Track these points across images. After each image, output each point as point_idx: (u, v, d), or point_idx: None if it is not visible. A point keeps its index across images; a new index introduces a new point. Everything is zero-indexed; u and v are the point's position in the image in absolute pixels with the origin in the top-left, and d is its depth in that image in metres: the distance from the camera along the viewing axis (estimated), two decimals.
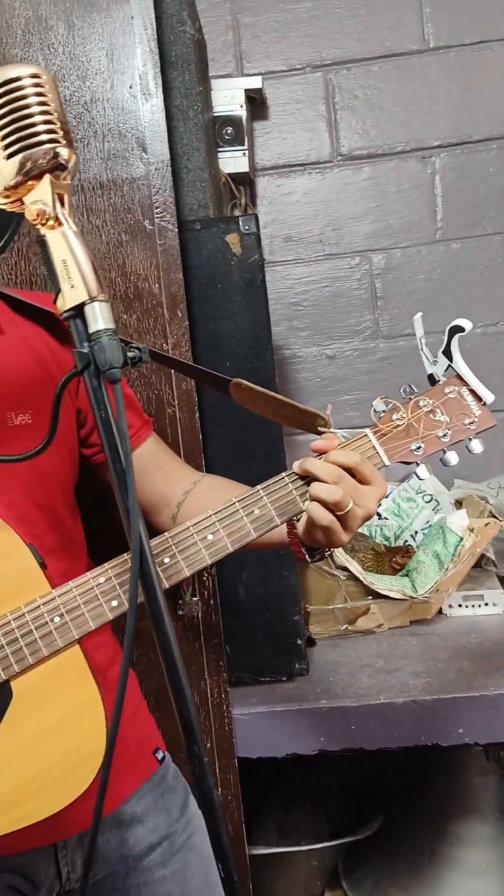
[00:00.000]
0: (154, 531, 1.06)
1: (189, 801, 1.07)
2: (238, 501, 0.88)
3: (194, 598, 1.30)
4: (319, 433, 0.93)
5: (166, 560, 0.83)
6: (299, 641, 1.41)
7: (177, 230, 1.28)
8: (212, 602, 1.32)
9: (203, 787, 0.60)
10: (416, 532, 1.81)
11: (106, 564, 0.86)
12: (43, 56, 1.22)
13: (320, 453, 0.88)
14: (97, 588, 0.84)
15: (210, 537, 0.87)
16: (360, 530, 1.67)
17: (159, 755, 1.07)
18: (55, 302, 0.64)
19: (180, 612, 1.30)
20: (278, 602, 1.41)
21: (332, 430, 0.94)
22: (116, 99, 1.24)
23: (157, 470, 1.06)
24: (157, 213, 1.27)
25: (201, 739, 0.61)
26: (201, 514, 0.87)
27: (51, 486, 0.97)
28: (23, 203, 0.64)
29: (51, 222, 0.63)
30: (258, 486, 0.89)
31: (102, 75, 1.23)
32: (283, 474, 0.89)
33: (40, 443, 0.94)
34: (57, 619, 0.83)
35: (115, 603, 0.84)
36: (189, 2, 1.41)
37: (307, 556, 0.93)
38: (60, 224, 0.64)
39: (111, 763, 0.63)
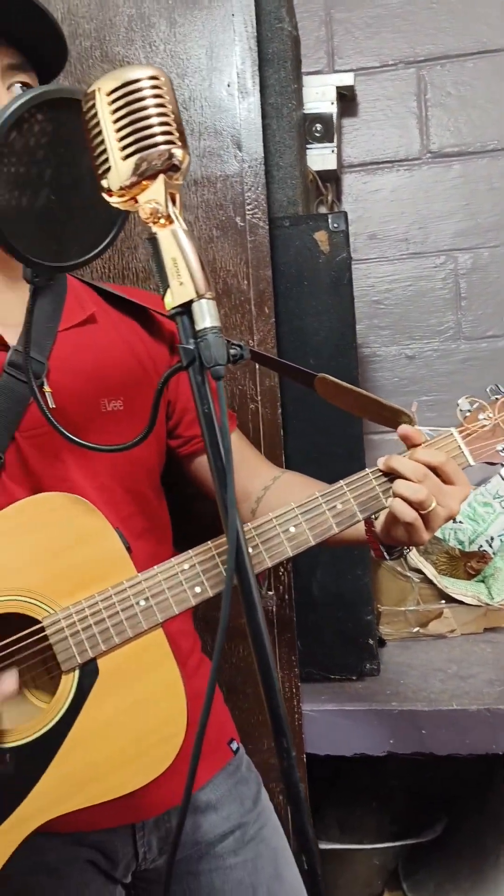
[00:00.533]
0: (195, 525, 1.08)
1: (261, 793, 1.09)
2: (321, 496, 0.89)
3: (269, 593, 1.31)
4: None
5: (249, 550, 0.85)
6: (371, 641, 1.41)
7: (267, 227, 1.29)
8: (286, 597, 1.33)
9: (290, 780, 0.60)
10: (493, 538, 1.77)
11: (191, 551, 0.88)
12: (144, 54, 1.25)
13: (406, 441, 0.87)
14: (181, 574, 0.86)
15: (292, 530, 0.88)
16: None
17: (234, 746, 1.09)
18: (163, 299, 0.66)
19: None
20: (351, 600, 1.41)
21: (416, 427, 0.94)
22: (214, 97, 1.26)
23: (239, 464, 1.07)
24: (248, 210, 1.28)
25: (290, 732, 0.61)
26: (284, 507, 0.88)
27: (139, 471, 1.00)
28: (136, 201, 0.65)
29: (162, 221, 0.65)
30: (341, 482, 0.90)
31: (201, 73, 1.25)
32: (367, 470, 0.90)
33: (129, 429, 0.97)
34: (142, 602, 0.85)
35: (198, 589, 0.86)
36: None
37: (385, 553, 0.93)
38: (171, 222, 0.65)
39: (201, 746, 0.64)
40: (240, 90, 1.25)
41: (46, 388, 0.90)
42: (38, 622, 0.84)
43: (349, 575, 1.41)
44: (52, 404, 0.90)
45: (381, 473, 0.89)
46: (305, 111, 1.77)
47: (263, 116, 1.29)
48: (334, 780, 1.73)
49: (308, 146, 1.78)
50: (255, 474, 1.09)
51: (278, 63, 1.39)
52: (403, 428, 0.89)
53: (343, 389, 0.96)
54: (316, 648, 1.42)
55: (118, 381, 0.97)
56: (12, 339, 0.91)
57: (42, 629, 0.84)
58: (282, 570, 1.32)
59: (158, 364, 1.02)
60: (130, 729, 0.84)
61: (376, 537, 0.93)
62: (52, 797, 0.82)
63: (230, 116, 1.26)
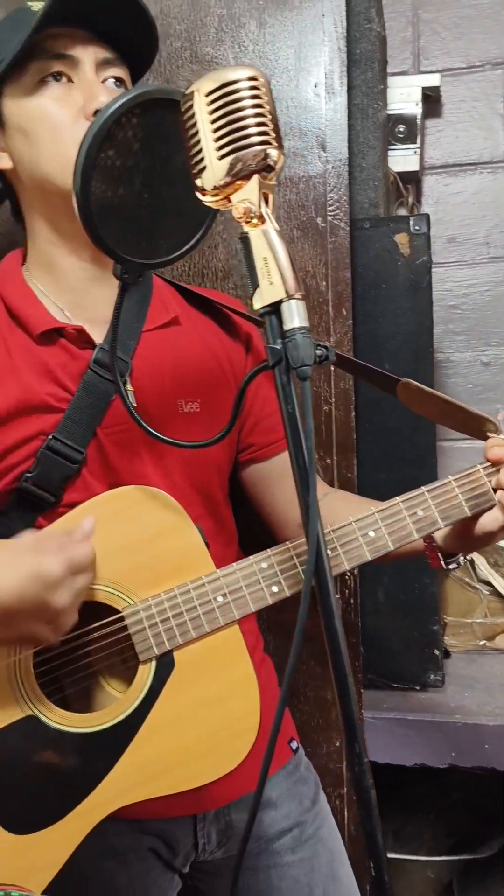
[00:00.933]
0: (279, 538, 1.07)
1: (319, 794, 1.09)
2: (402, 501, 0.88)
3: (336, 596, 1.30)
4: (486, 439, 0.91)
5: (328, 552, 0.84)
6: (436, 652, 1.39)
7: (348, 229, 1.28)
8: (352, 601, 1.32)
9: (361, 785, 0.60)
10: None
11: (269, 550, 0.88)
12: (233, 54, 1.26)
13: (496, 464, 0.86)
14: (259, 572, 0.87)
15: (371, 534, 0.88)
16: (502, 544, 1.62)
17: (293, 745, 1.09)
18: (251, 298, 0.66)
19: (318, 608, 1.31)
20: (417, 609, 1.39)
21: (501, 436, 0.92)
22: (300, 97, 1.25)
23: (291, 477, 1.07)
24: (329, 211, 1.27)
25: (362, 737, 0.61)
26: (364, 511, 0.88)
27: (210, 472, 1.01)
28: (229, 201, 0.66)
29: (255, 220, 0.65)
30: (423, 488, 0.89)
31: (288, 73, 1.25)
32: (450, 478, 0.89)
33: (205, 430, 0.98)
34: (220, 598, 0.86)
35: (275, 588, 0.87)
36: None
37: (444, 563, 0.92)
38: (264, 222, 0.65)
39: (274, 746, 0.64)
40: (327, 90, 1.25)
41: (129, 387, 0.92)
42: (119, 612, 0.86)
43: (416, 583, 1.39)
44: (133, 402, 0.91)
45: (464, 482, 0.87)
46: (389, 111, 1.75)
47: (348, 117, 1.28)
48: (392, 790, 1.71)
49: (390, 147, 1.76)
50: None
51: (366, 63, 1.38)
52: (493, 453, 0.87)
53: (427, 395, 0.94)
54: (379, 656, 1.41)
55: (196, 383, 0.98)
56: (99, 336, 0.93)
57: (122, 619, 0.85)
58: (348, 574, 1.31)
59: (235, 366, 1.03)
60: (203, 723, 0.85)
61: (435, 546, 0.92)
62: (124, 785, 0.84)
63: (315, 117, 1.25)
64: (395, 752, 1.33)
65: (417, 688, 1.40)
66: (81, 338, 0.92)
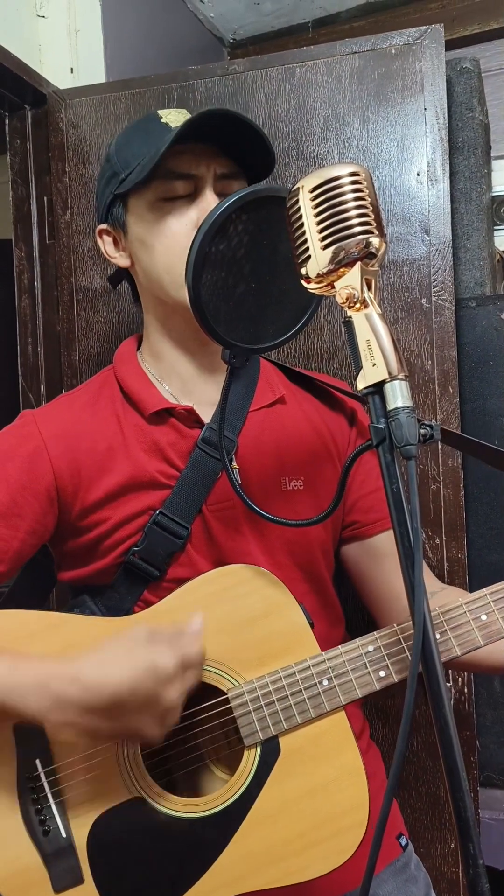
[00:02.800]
0: (380, 620, 1.04)
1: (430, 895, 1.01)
2: None
3: (447, 685, 1.25)
4: None
5: (437, 636, 0.81)
6: None
7: (453, 308, 1.28)
8: (466, 691, 1.25)
9: (477, 890, 0.56)
10: None
11: (375, 633, 0.86)
12: (337, 150, 1.32)
13: None
14: (366, 656, 0.85)
15: (484, 618, 0.85)
16: None
17: (402, 841, 1.03)
18: (355, 378, 0.67)
19: None
20: None
21: None
22: (403, 185, 1.29)
23: (394, 555, 1.04)
24: (434, 292, 1.29)
25: (478, 838, 0.57)
26: (476, 593, 0.85)
27: (314, 550, 1.00)
28: (333, 287, 0.68)
29: (358, 305, 0.67)
30: None
31: (391, 164, 1.30)
32: None
33: (308, 508, 0.98)
34: (325, 682, 0.84)
35: (382, 673, 0.84)
36: (479, 88, 1.44)
37: None
38: (366, 306, 0.67)
39: (380, 843, 0.61)
40: (429, 178, 1.28)
41: (234, 465, 0.94)
42: (223, 692, 0.85)
43: None
44: (238, 480, 0.93)
45: None
46: (494, 193, 1.77)
47: (452, 201, 1.31)
48: None
49: (496, 227, 1.78)
50: None
51: (468, 150, 1.41)
52: None
53: None
54: (497, 750, 1.32)
55: (300, 461, 0.99)
56: (207, 416, 0.97)
57: (227, 701, 0.85)
58: None
59: (339, 444, 1.04)
60: (311, 813, 0.82)
61: None
62: (232, 874, 0.81)
63: (418, 203, 1.29)
64: None
65: None
66: (190, 417, 0.96)
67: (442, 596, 1.01)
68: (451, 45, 1.35)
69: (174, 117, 0.96)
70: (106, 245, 1.01)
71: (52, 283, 1.48)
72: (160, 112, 0.97)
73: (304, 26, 2.13)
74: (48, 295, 1.48)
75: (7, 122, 1.51)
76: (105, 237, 1.01)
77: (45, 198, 1.48)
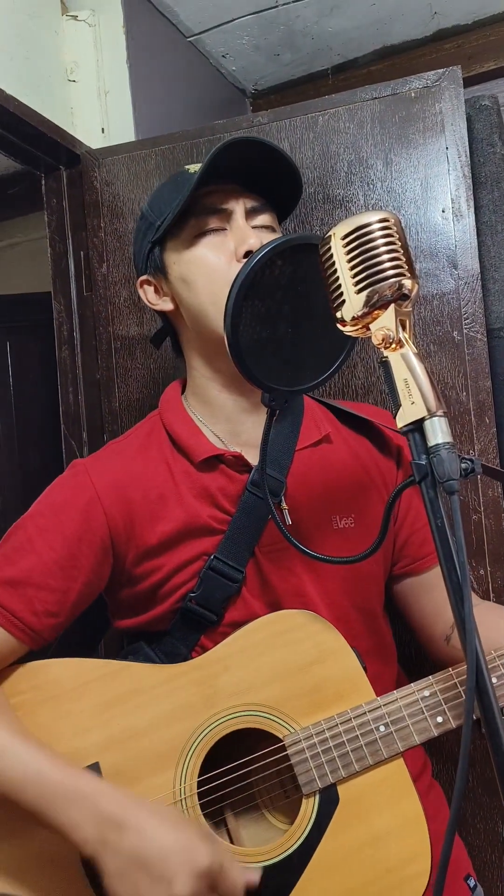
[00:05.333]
0: (428, 651, 1.04)
1: None
2: None
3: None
4: None
5: (493, 680, 0.81)
6: None
7: (485, 339, 1.29)
8: None
9: None
10: None
11: (431, 677, 0.86)
12: (362, 192, 1.35)
13: None
14: (422, 702, 0.84)
15: None
16: None
17: (471, 882, 1.01)
18: (395, 417, 0.69)
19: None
20: None
21: None
22: (428, 223, 1.32)
23: (441, 590, 1.03)
24: (465, 324, 1.30)
25: None
26: None
27: (369, 588, 1.01)
28: (368, 329, 0.70)
29: (393, 345, 0.69)
30: None
31: (416, 203, 1.33)
32: None
33: (360, 545, 0.98)
34: (382, 729, 0.84)
35: (440, 719, 0.84)
36: (499, 123, 1.47)
37: None
38: (402, 346, 0.69)
39: (444, 880, 0.61)
40: (454, 214, 1.31)
41: (284, 506, 0.95)
42: (278, 739, 0.85)
43: None
44: (288, 521, 0.94)
45: None
46: None
47: (478, 234, 1.33)
48: None
49: None
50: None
51: (491, 184, 1.43)
52: None
53: None
54: None
55: (350, 499, 1.00)
56: (254, 460, 0.98)
57: (283, 748, 0.85)
58: None
59: (387, 479, 1.04)
60: (372, 863, 0.82)
61: None
62: None
63: (445, 239, 1.31)
64: None
65: None
66: (239, 462, 0.97)
67: (482, 609, 1.02)
68: (468, 81, 1.39)
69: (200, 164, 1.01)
70: (148, 294, 1.05)
71: (90, 333, 1.52)
72: (188, 166, 1.02)
73: (323, 73, 2.19)
74: (87, 344, 1.53)
75: (43, 182, 1.57)
76: (146, 287, 1.05)
77: (82, 252, 1.54)
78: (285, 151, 0.96)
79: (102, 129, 1.63)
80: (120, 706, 0.86)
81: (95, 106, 1.64)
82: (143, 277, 1.05)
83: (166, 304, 1.03)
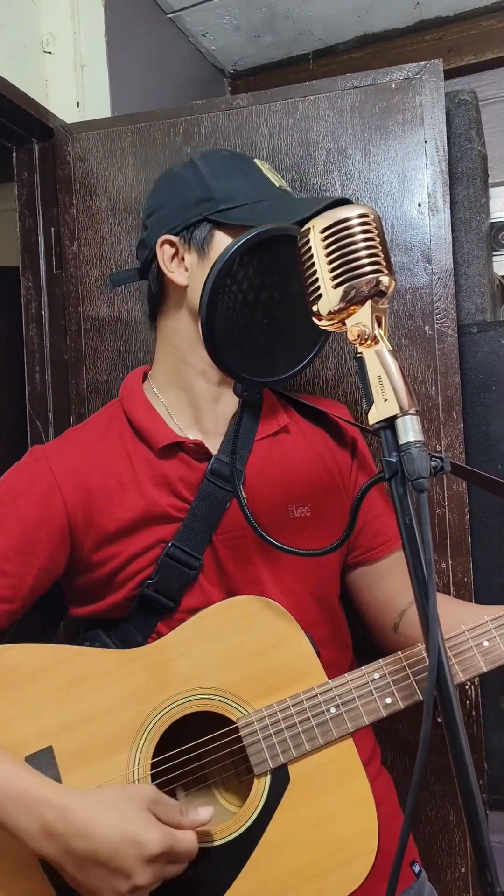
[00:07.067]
0: (377, 639, 1.06)
1: None
2: None
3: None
4: None
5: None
6: None
7: (456, 335, 1.31)
8: (473, 713, 1.26)
9: None
10: None
11: (381, 661, 0.88)
12: (340, 182, 1.35)
13: None
14: (372, 683, 0.86)
15: (486, 644, 0.86)
16: None
17: (416, 868, 1.03)
18: (367, 414, 0.69)
19: (439, 721, 1.26)
20: None
21: None
22: (404, 216, 1.32)
23: (393, 576, 1.06)
24: (437, 319, 1.31)
25: (494, 864, 0.58)
26: (477, 620, 0.86)
27: (325, 577, 1.02)
28: (343, 324, 0.70)
29: (368, 342, 0.69)
30: None
31: (393, 196, 1.33)
32: None
33: (316, 534, 1.00)
34: (332, 710, 0.86)
35: (388, 700, 0.85)
36: (476, 119, 1.47)
37: None
38: (377, 343, 0.69)
39: (399, 871, 0.62)
40: (430, 209, 1.31)
41: (242, 495, 0.96)
42: (231, 722, 0.86)
43: None
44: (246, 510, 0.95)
45: None
46: (492, 220, 1.80)
47: (452, 230, 1.33)
48: None
49: (495, 253, 1.80)
50: (405, 589, 1.07)
51: (467, 181, 1.44)
52: None
53: None
54: None
55: (306, 489, 1.01)
56: (214, 448, 0.98)
57: (236, 730, 0.86)
58: (469, 684, 1.27)
59: (342, 469, 1.05)
60: (321, 842, 0.83)
61: None
62: None
63: (420, 233, 1.31)
64: None
65: None
66: (199, 450, 0.97)
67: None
68: (447, 74, 1.38)
69: (272, 172, 0.99)
70: (165, 255, 0.98)
71: (59, 312, 1.50)
72: (256, 161, 0.99)
73: (304, 57, 2.17)
74: (56, 324, 1.50)
75: (15, 154, 1.53)
76: (167, 248, 0.98)
77: (53, 229, 1.51)
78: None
79: (77, 104, 1.60)
80: (75, 690, 0.86)
81: (71, 79, 1.60)
82: (171, 238, 0.97)
83: (181, 278, 0.97)
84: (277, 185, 0.97)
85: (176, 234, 0.97)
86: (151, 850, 0.75)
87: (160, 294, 1.02)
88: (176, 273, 0.97)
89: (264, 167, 0.98)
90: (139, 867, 0.75)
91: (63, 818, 0.75)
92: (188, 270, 0.97)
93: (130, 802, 0.77)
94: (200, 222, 0.95)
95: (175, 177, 1.00)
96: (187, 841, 0.78)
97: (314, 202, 0.89)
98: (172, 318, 1.01)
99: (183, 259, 0.97)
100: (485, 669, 0.86)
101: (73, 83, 1.60)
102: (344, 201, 0.86)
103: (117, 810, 0.77)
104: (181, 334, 1.00)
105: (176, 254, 0.98)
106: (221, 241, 0.94)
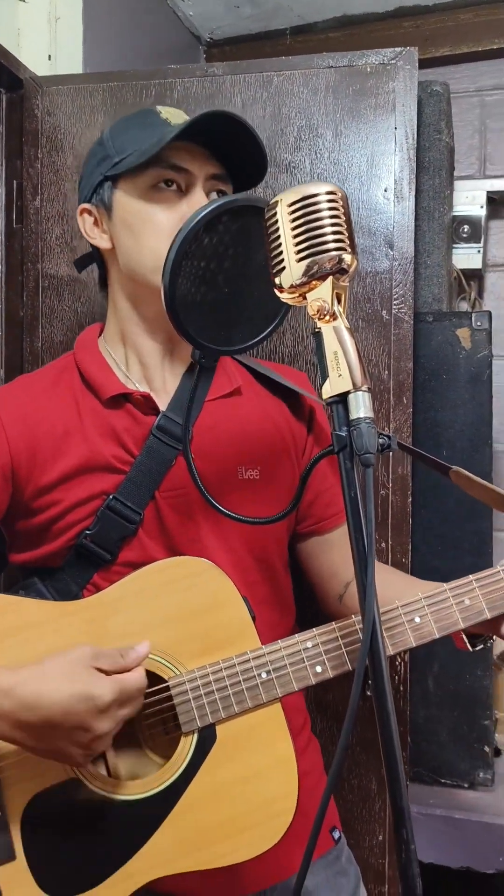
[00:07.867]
0: (324, 608, 1.09)
1: (359, 889, 1.06)
2: (449, 589, 0.90)
3: None
4: None
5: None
6: (487, 749, 1.36)
7: (412, 321, 1.33)
8: (401, 688, 1.31)
9: (408, 873, 0.60)
10: None
11: (314, 630, 0.90)
12: (309, 160, 1.35)
13: None
14: (304, 651, 0.88)
15: (417, 620, 0.89)
16: None
17: (335, 834, 1.07)
18: (321, 387, 0.70)
19: (368, 693, 1.30)
20: (469, 702, 1.37)
21: None
22: (370, 200, 1.34)
23: (339, 549, 1.09)
24: (395, 305, 1.33)
25: (410, 824, 0.61)
26: (411, 596, 0.89)
27: (268, 541, 1.04)
28: (304, 298, 0.71)
29: (327, 317, 0.70)
30: (471, 577, 0.90)
31: (360, 179, 1.34)
32: (499, 568, 0.90)
33: (264, 497, 1.01)
34: (264, 675, 0.88)
35: (319, 669, 0.88)
36: (447, 112, 1.49)
37: (469, 645, 0.93)
38: (335, 319, 0.70)
39: (319, 833, 0.65)
40: (396, 195, 1.33)
41: (191, 455, 0.97)
42: (164, 681, 0.88)
43: (468, 674, 1.37)
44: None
45: None
46: (455, 213, 1.83)
47: (416, 218, 1.35)
48: (434, 893, 1.63)
49: (455, 246, 1.84)
50: (350, 562, 1.10)
51: (434, 171, 1.46)
52: None
53: (476, 484, 0.97)
54: (427, 748, 1.38)
55: (256, 452, 1.02)
56: (163, 404, 0.99)
57: (167, 689, 0.88)
58: (398, 659, 1.31)
59: (297, 440, 1.07)
60: (242, 799, 0.86)
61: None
62: (161, 856, 0.84)
63: (384, 219, 1.33)
64: (439, 851, 1.29)
65: (466, 785, 1.36)
66: (147, 404, 0.98)
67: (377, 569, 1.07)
68: (422, 63, 1.39)
69: (173, 114, 0.99)
70: (86, 224, 1.02)
71: (17, 268, 1.47)
72: (159, 108, 1.00)
73: (282, 32, 2.16)
74: (12, 280, 1.48)
75: None
76: (86, 216, 1.02)
77: (15, 182, 1.48)
78: (262, 141, 0.95)
79: (49, 56, 1.56)
80: (8, 640, 0.87)
81: (44, 31, 1.56)
82: (85, 206, 1.02)
83: (103, 242, 1.01)
84: (174, 123, 0.97)
85: (88, 202, 1.01)
86: (104, 699, 0.77)
87: (99, 260, 1.05)
88: (98, 238, 1.01)
89: (166, 111, 0.99)
90: (94, 718, 0.77)
91: (8, 696, 0.77)
92: (107, 233, 1.00)
93: (73, 664, 0.79)
94: (103, 182, 0.98)
95: (89, 152, 1.03)
96: (134, 679, 0.81)
97: (189, 125, 0.90)
98: (114, 280, 1.03)
99: (101, 223, 1.01)
100: (413, 645, 0.89)
101: (46, 35, 1.56)
102: (222, 114, 0.91)
103: (63, 674, 0.78)
104: (122, 295, 1.02)
105: (95, 221, 1.01)
106: (121, 196, 0.97)
